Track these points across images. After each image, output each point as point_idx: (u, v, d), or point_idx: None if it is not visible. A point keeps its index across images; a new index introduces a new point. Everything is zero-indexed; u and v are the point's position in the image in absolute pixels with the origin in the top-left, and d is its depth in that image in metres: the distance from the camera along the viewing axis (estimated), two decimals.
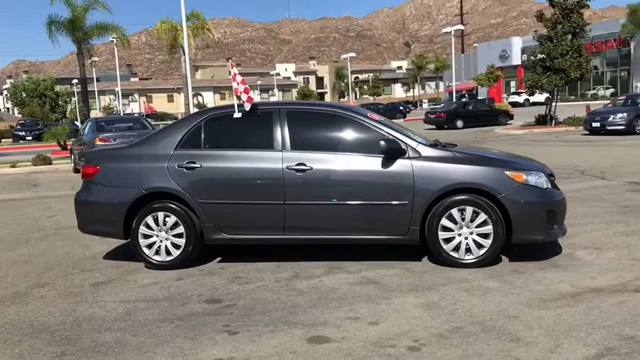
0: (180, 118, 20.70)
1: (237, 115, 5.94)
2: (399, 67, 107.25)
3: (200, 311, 4.64)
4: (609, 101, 28.68)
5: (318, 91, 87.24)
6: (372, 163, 5.56)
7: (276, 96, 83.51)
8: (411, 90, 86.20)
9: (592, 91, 57.19)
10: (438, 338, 3.87)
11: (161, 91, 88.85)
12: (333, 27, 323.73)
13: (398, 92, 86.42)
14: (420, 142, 5.67)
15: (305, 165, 5.60)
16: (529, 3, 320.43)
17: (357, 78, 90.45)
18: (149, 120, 18.99)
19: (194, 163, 5.80)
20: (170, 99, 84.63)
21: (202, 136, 5.96)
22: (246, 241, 5.88)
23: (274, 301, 4.79)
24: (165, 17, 32.44)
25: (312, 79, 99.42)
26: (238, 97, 6.03)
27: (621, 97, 25.71)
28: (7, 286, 5.63)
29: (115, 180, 5.98)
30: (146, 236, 5.90)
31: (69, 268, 6.21)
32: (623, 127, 21.61)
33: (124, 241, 7.06)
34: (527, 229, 5.41)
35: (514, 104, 50.19)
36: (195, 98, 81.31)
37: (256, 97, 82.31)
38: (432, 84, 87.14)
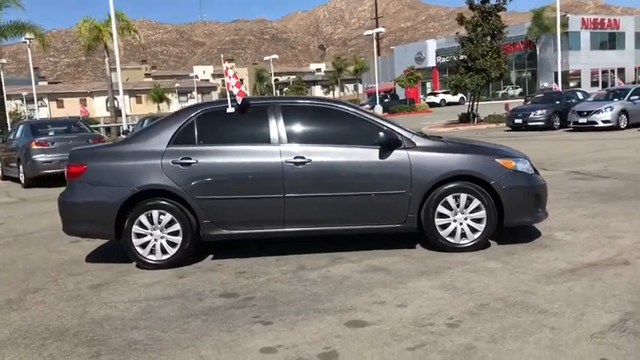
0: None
1: (230, 109, 5.91)
2: (318, 70, 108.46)
3: (220, 305, 4.61)
4: (529, 99, 30.44)
5: None
6: (369, 155, 5.71)
7: (195, 99, 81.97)
8: (331, 92, 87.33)
9: (502, 91, 60.31)
10: (470, 315, 4.07)
11: (73, 96, 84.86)
12: (247, 29, 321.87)
13: (318, 94, 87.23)
14: (413, 134, 5.88)
15: (304, 158, 5.67)
16: (436, 8, 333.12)
17: (276, 80, 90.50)
18: (85, 123, 18.20)
19: (189, 159, 5.72)
20: (83, 103, 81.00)
21: (196, 131, 5.88)
22: (244, 236, 5.86)
23: (292, 292, 4.83)
24: (87, 16, 31.15)
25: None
26: (231, 92, 6.00)
27: (539, 95, 27.36)
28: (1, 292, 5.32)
29: (105, 179, 5.79)
30: (139, 235, 5.75)
31: (53, 273, 5.93)
32: (542, 123, 23.06)
33: (101, 244, 6.89)
34: (517, 213, 5.75)
35: (431, 104, 52.14)
36: (108, 102, 78.51)
37: (174, 100, 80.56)
38: (351, 86, 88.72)
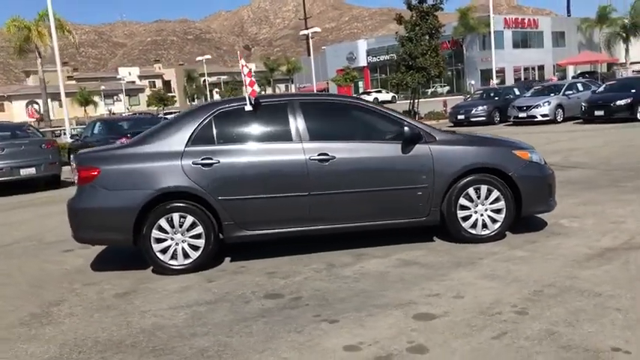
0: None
1: (248, 108, 5.78)
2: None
3: (272, 307, 4.50)
4: (469, 95, 31.49)
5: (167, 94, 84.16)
6: (392, 150, 5.75)
7: (122, 101, 79.33)
8: (263, 92, 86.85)
9: (432, 89, 62.06)
10: (531, 302, 4.18)
11: None
12: (170, 30, 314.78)
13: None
14: (432, 128, 5.96)
15: (327, 154, 5.63)
16: (359, 9, 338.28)
17: (205, 81, 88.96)
18: (35, 127, 17.22)
19: (211, 159, 5.55)
20: (0, 108, 76.58)
21: (214, 130, 5.72)
22: (268, 236, 5.75)
23: (338, 290, 4.78)
24: (16, 15, 29.41)
25: (159, 82, 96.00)
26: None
27: (478, 91, 28.37)
28: (11, 309, 4.95)
29: (121, 182, 5.52)
30: (159, 240, 5.53)
31: (64, 284, 5.60)
32: (484, 119, 23.97)
33: (99, 252, 6.59)
34: (534, 203, 5.95)
35: None
36: (30, 106, 74.63)
37: (100, 102, 77.62)
38: (282, 86, 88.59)
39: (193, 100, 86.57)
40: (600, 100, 20.87)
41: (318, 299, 4.59)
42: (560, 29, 63.55)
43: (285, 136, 5.72)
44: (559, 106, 22.42)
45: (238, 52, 6.10)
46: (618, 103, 20.16)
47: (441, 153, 5.76)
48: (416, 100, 29.54)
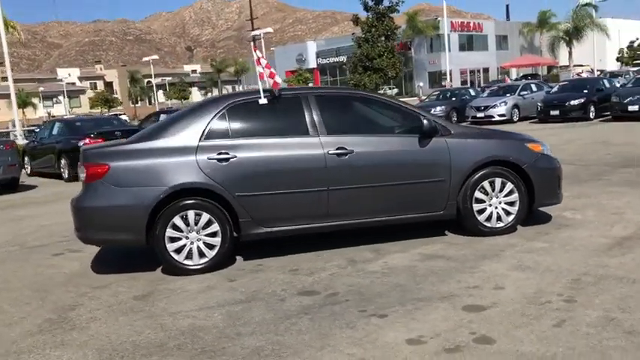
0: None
1: (262, 101, 5.62)
2: (194, 71, 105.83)
3: (312, 303, 4.37)
4: (425, 97, 31.99)
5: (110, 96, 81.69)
6: (409, 143, 5.70)
7: (62, 103, 76.49)
8: (209, 94, 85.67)
9: (380, 91, 62.80)
10: (575, 290, 4.21)
11: None
12: (108, 30, 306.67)
13: (196, 96, 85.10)
14: (447, 121, 5.96)
15: (346, 148, 5.53)
16: (303, 11, 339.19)
17: (149, 83, 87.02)
18: None
19: (227, 154, 5.35)
20: None
21: (228, 124, 5.52)
22: (285, 232, 5.58)
23: (372, 285, 4.69)
24: None
25: (100, 84, 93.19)
26: (264, 83, 5.70)
27: (435, 92, 28.87)
28: (22, 316, 4.61)
29: (132, 179, 5.25)
30: (173, 239, 5.29)
31: (70, 287, 5.28)
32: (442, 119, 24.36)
33: (93, 252, 6.28)
34: (546, 195, 6.02)
35: None
36: None
37: (39, 104, 74.66)
38: (229, 87, 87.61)
39: (137, 102, 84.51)
40: (555, 100, 21.63)
41: (356, 295, 4.48)
42: (504, 33, 65.56)
43: (302, 130, 5.58)
44: (515, 106, 23.10)
45: (251, 44, 5.90)
46: (572, 103, 20.94)
47: (457, 146, 5.76)
48: None
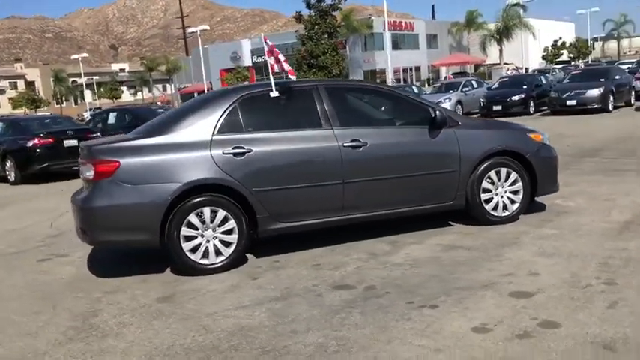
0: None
1: (274, 93, 5.47)
2: (122, 70, 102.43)
3: (353, 297, 4.28)
4: None
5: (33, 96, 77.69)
6: (420, 135, 5.72)
7: None
8: (139, 93, 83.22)
9: None
10: (610, 273, 4.33)
11: None
12: (25, 27, 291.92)
13: (125, 95, 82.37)
14: (454, 112, 6.01)
15: (360, 141, 5.47)
16: (231, 9, 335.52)
17: (74, 82, 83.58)
18: None
19: (242, 148, 5.18)
20: None
21: (241, 118, 5.35)
22: (301, 227, 5.46)
23: (405, 276, 4.66)
24: None
25: (22, 83, 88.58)
26: (276, 76, 5.54)
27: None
28: (39, 325, 4.28)
29: (144, 176, 4.99)
30: (188, 238, 5.07)
31: (79, 293, 4.95)
32: None
33: (85, 258, 5.94)
34: (547, 184, 6.19)
35: None
36: None
37: None
38: (160, 86, 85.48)
39: (62, 102, 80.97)
40: (497, 95, 22.42)
41: (394, 287, 4.44)
42: (434, 32, 67.23)
43: (315, 123, 5.48)
44: (458, 102, 23.75)
45: (262, 35, 5.71)
46: (514, 98, 21.77)
47: (465, 137, 5.82)
48: None
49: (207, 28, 46.69)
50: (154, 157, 5.05)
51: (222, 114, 5.28)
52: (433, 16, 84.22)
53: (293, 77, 5.57)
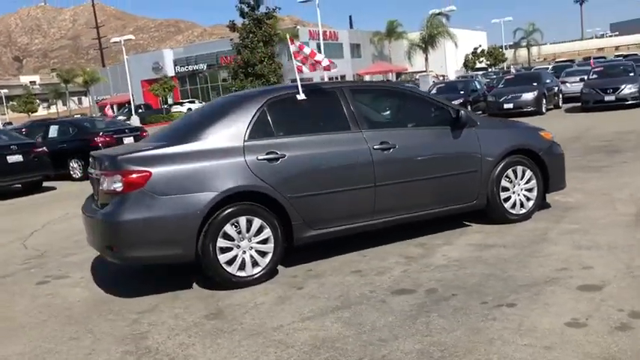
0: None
1: (301, 96, 5.28)
2: (33, 82, 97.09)
3: (420, 302, 4.15)
4: None
5: None
6: (445, 135, 5.70)
7: None
8: (53, 106, 79.21)
9: None
10: None
11: None
12: None
13: (40, 109, 77.98)
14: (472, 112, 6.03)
15: (389, 143, 5.38)
16: (144, 20, 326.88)
17: None
18: None
19: (276, 153, 4.95)
20: None
21: (270, 122, 5.12)
22: (335, 234, 5.27)
23: (459, 278, 4.57)
24: None
25: None
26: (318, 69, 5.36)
27: None
28: (84, 352, 3.87)
29: (178, 186, 4.66)
30: (224, 250, 4.78)
31: (109, 316, 4.55)
32: None
33: (91, 278, 5.51)
34: (557, 180, 6.32)
35: (183, 113, 51.26)
36: None
37: None
38: (76, 99, 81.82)
39: None
40: None
41: (456, 288, 4.35)
42: (357, 41, 68.38)
43: (343, 125, 5.34)
44: None
45: (288, 36, 5.47)
46: (454, 103, 22.39)
47: (485, 136, 5.86)
48: None
49: (132, 37, 45.08)
50: (187, 165, 4.73)
51: (252, 119, 5.03)
52: (351, 26, 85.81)
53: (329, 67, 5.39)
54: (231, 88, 29.40)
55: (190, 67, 63.28)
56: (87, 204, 5.45)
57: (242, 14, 28.56)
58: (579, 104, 19.94)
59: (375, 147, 5.30)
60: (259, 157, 4.89)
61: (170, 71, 64.52)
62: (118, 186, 4.60)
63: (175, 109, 55.64)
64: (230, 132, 4.94)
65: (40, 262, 6.50)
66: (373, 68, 60.80)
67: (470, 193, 5.80)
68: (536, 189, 6.12)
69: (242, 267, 4.84)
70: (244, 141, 4.92)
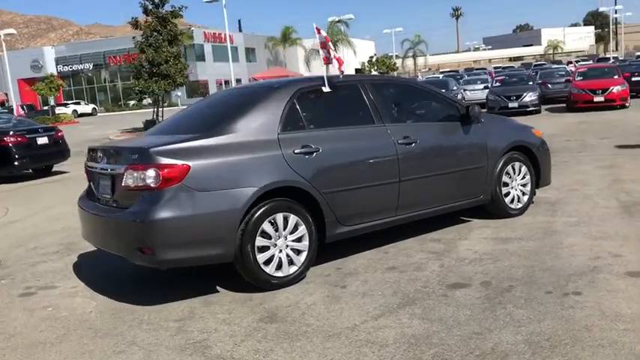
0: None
1: (327, 89, 5.07)
2: None
3: (484, 294, 4.11)
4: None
5: None
6: (458, 130, 5.73)
7: None
8: None
9: (132, 102, 59.71)
10: None
11: None
12: None
13: None
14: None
15: (411, 137, 5.32)
16: (11, 14, 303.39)
17: None
18: None
19: (310, 147, 4.71)
20: None
21: (300, 114, 4.86)
22: (362, 230, 5.10)
23: (503, 269, 4.59)
24: None
25: None
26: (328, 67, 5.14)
27: None
28: None
29: (217, 181, 4.28)
30: (262, 249, 4.46)
31: (145, 325, 4.07)
32: None
33: (80, 285, 5.00)
34: (546, 176, 6.58)
35: (70, 115, 47.97)
36: None
37: None
38: None
39: None
40: None
41: (509, 280, 4.36)
42: (252, 45, 67.99)
43: (367, 119, 5.20)
44: None
45: (314, 25, 5.16)
46: None
47: (490, 132, 5.97)
48: (160, 109, 28.36)
49: (14, 32, 41.44)
50: (225, 158, 4.35)
51: (284, 110, 4.75)
52: (240, 30, 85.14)
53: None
54: (135, 88, 27.91)
55: (75, 67, 59.65)
56: (86, 201, 4.88)
57: (145, 11, 27.21)
58: (484, 110, 20.91)
59: (399, 141, 5.22)
60: (296, 151, 4.62)
61: (52, 70, 60.33)
62: (152, 181, 4.13)
63: (60, 110, 52.12)
64: (263, 123, 4.63)
65: (5, 273, 5.72)
66: (269, 73, 60.42)
67: (480, 188, 5.88)
68: (529, 184, 6.34)
69: (279, 267, 4.55)
70: (278, 133, 4.63)
